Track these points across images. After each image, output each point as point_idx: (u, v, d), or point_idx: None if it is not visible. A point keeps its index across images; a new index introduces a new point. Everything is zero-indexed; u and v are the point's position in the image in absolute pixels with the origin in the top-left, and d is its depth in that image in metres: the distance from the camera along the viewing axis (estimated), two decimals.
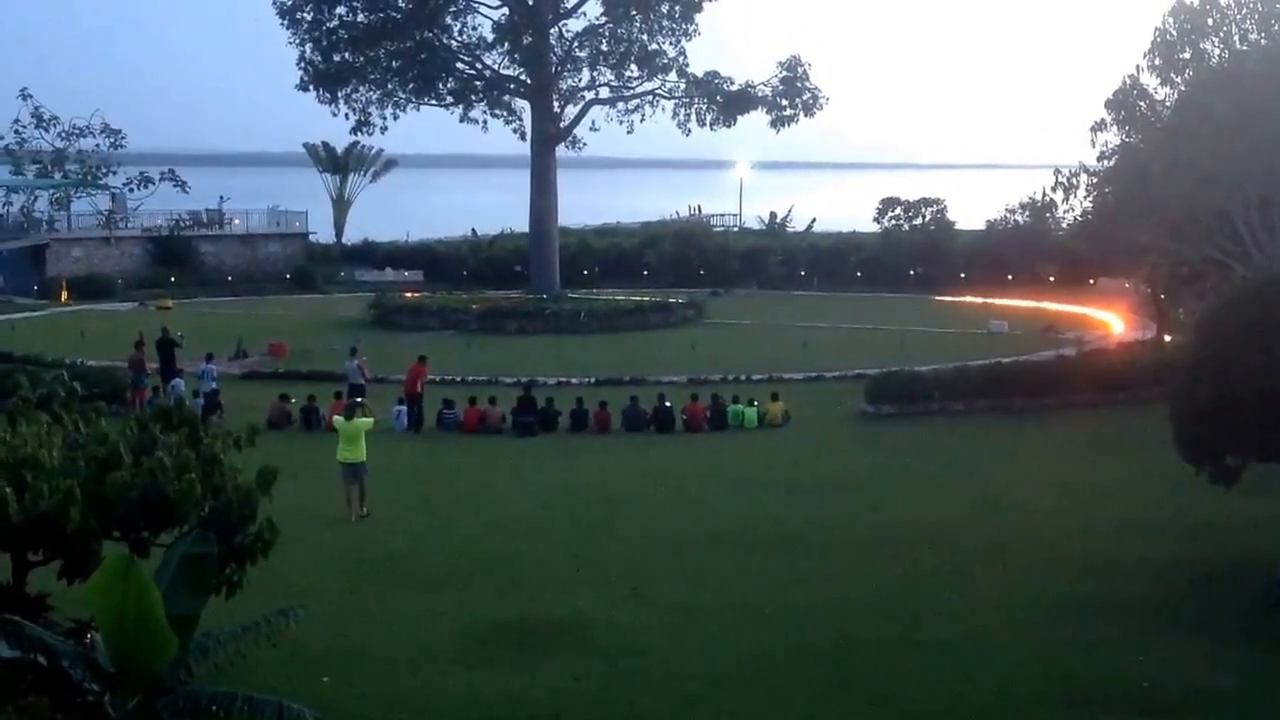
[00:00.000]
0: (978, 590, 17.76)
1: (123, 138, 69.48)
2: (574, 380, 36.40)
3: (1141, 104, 39.46)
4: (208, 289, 62.56)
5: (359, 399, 25.57)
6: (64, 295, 58.23)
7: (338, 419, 23.16)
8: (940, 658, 15.17)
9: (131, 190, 69.72)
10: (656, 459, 28.15)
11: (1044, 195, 45.32)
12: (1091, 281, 56.15)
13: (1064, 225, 47.37)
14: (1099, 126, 39.70)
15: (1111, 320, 50.22)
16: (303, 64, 57.58)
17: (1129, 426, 29.06)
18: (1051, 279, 57.49)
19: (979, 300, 56.63)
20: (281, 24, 57.36)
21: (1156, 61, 38.46)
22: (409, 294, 58.16)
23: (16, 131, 67.51)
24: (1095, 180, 40.27)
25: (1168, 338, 39.27)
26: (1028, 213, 53.90)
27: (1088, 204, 41.29)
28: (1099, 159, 40.18)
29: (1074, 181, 41.53)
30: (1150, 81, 39.05)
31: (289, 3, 57.08)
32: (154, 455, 13.35)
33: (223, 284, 64.04)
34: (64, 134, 68.22)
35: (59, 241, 63.39)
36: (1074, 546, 19.93)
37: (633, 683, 14.40)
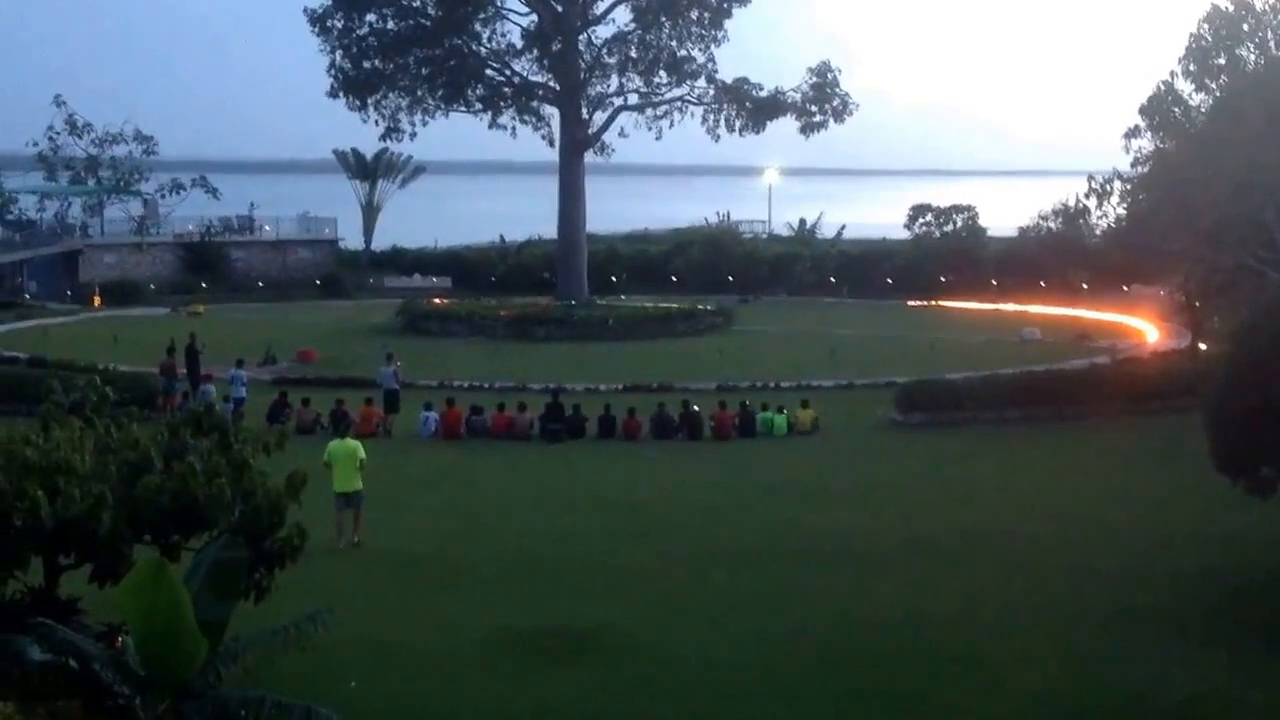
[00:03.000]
0: (1009, 602, 17.59)
1: (155, 144, 69.87)
2: (602, 387, 36.36)
3: (1176, 110, 39.25)
4: (238, 295, 62.84)
5: (348, 420, 25.39)
6: (96, 301, 58.61)
7: (332, 443, 21.13)
8: (971, 670, 15.02)
9: (163, 196, 70.13)
10: (685, 466, 28.08)
11: (1077, 202, 44.97)
12: (1125, 289, 55.74)
13: (1097, 232, 47.03)
14: (1133, 133, 39.55)
15: (1145, 328, 49.82)
16: (333, 71, 57.86)
17: (1163, 437, 28.78)
18: (1084, 286, 57.08)
19: (1011, 307, 56.27)
20: (312, 31, 57.70)
21: (1191, 67, 38.25)
22: (437, 300, 58.24)
23: (50, 138, 67.98)
24: (1129, 187, 40.07)
25: (1202, 346, 38.91)
26: (1061, 219, 53.48)
27: (1121, 211, 41.08)
28: (1133, 165, 40.00)
29: (1107, 188, 41.34)
30: (1185, 87, 38.86)
31: (320, 10, 57.40)
32: (184, 460, 13.40)
33: (253, 290, 64.38)
34: (97, 140, 68.63)
35: (92, 247, 63.83)
36: (1106, 558, 19.73)
37: (658, 691, 14.32)
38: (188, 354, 35.29)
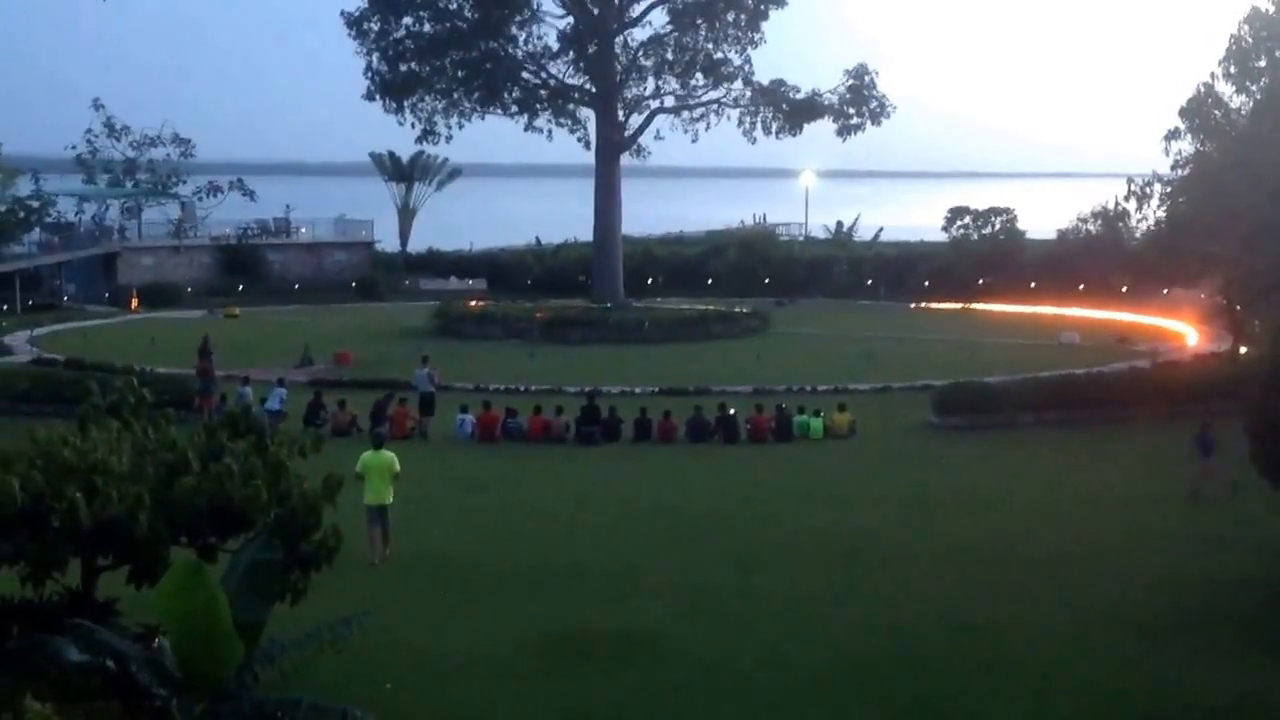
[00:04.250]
0: (1047, 606, 17.41)
1: (192, 147, 70.34)
2: (637, 390, 36.29)
3: (1216, 112, 38.86)
4: (274, 297, 63.18)
5: (383, 430, 23.84)
6: (134, 303, 59.08)
7: (365, 454, 20.15)
8: (1009, 674, 14.87)
9: (200, 199, 70.60)
10: (720, 469, 27.98)
11: (1116, 204, 44.62)
12: (1164, 292, 55.20)
13: (1137, 235, 46.60)
14: (1173, 135, 39.17)
15: (1185, 332, 49.32)
16: (369, 74, 58.10)
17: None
18: (1124, 289, 56.54)
19: (1049, 311, 55.82)
20: (349, 34, 57.95)
21: (1231, 69, 37.86)
22: (473, 303, 58.36)
23: (89, 141, 68.55)
24: (1169, 189, 39.69)
25: (1243, 350, 38.47)
26: (1100, 222, 53.05)
27: (1161, 213, 40.72)
28: (1173, 168, 39.64)
29: (1147, 191, 41.00)
30: (1225, 89, 38.46)
31: (356, 13, 57.66)
32: (221, 462, 13.40)
33: (289, 292, 64.68)
34: (135, 143, 69.16)
35: (130, 250, 64.36)
36: (1146, 562, 19.52)
37: (693, 696, 14.24)
38: (200, 356, 35.60)
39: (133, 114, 70.45)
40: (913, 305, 61.03)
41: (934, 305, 59.62)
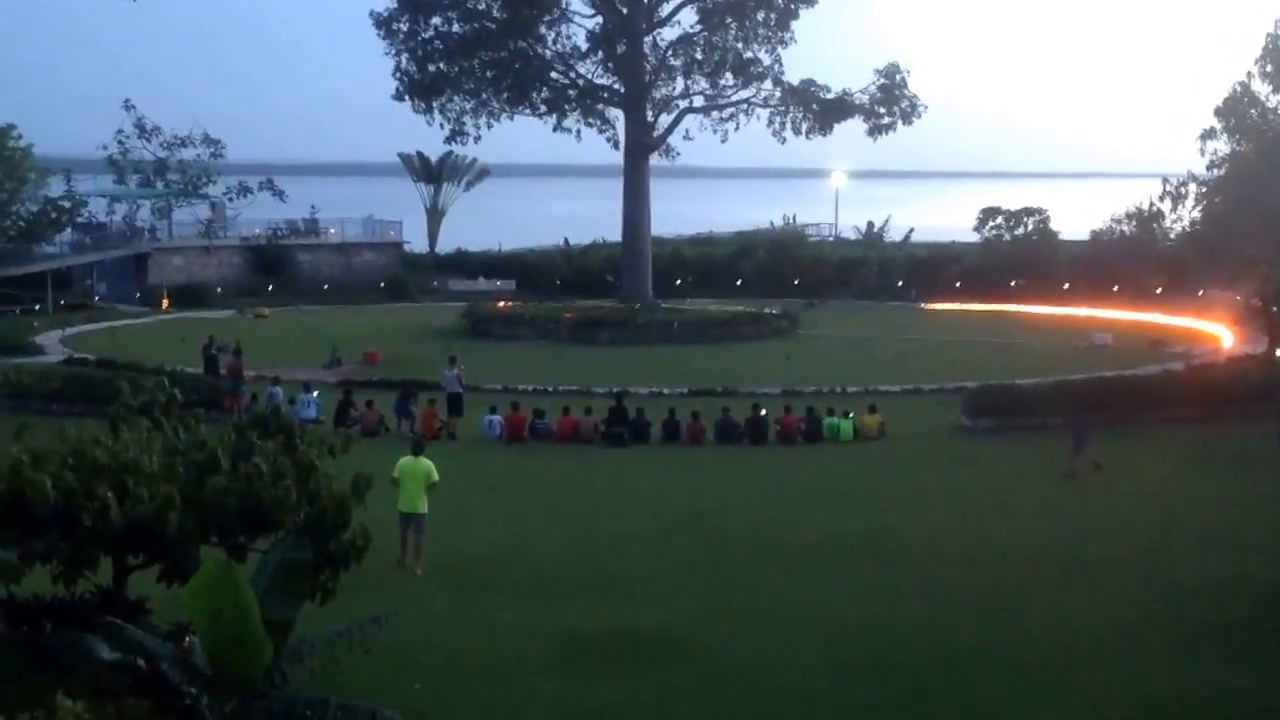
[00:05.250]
0: (1075, 609, 17.22)
1: (223, 147, 70.53)
2: (666, 391, 36.24)
3: (1252, 111, 38.55)
4: (304, 297, 63.44)
5: (423, 441, 22.80)
6: (164, 303, 59.36)
7: (403, 460, 19.43)
8: (1035, 677, 14.71)
9: (231, 199, 70.82)
10: (749, 470, 27.86)
11: (1151, 205, 44.37)
12: (1199, 293, 54.78)
13: (1172, 236, 46.31)
14: (1208, 134, 38.92)
15: (1221, 333, 48.83)
16: (398, 74, 58.29)
17: (1238, 443, 28.20)
18: (1158, 291, 56.12)
19: (1082, 312, 55.40)
20: (378, 35, 58.12)
21: (1268, 68, 37.56)
22: (501, 303, 58.44)
23: (120, 141, 68.82)
24: (1204, 189, 39.39)
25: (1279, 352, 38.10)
26: (1134, 222, 52.80)
27: (1196, 214, 40.45)
28: (1208, 167, 39.37)
29: (1182, 191, 40.77)
30: (1261, 89, 38.18)
31: (385, 14, 57.82)
32: (251, 461, 13.40)
33: (318, 292, 64.90)
34: (166, 144, 69.41)
35: (160, 250, 64.69)
36: (1176, 565, 19.28)
37: (723, 696, 14.15)
38: (204, 357, 35.72)
39: (163, 114, 70.72)
40: (924, 305, 60.56)
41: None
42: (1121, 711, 13.78)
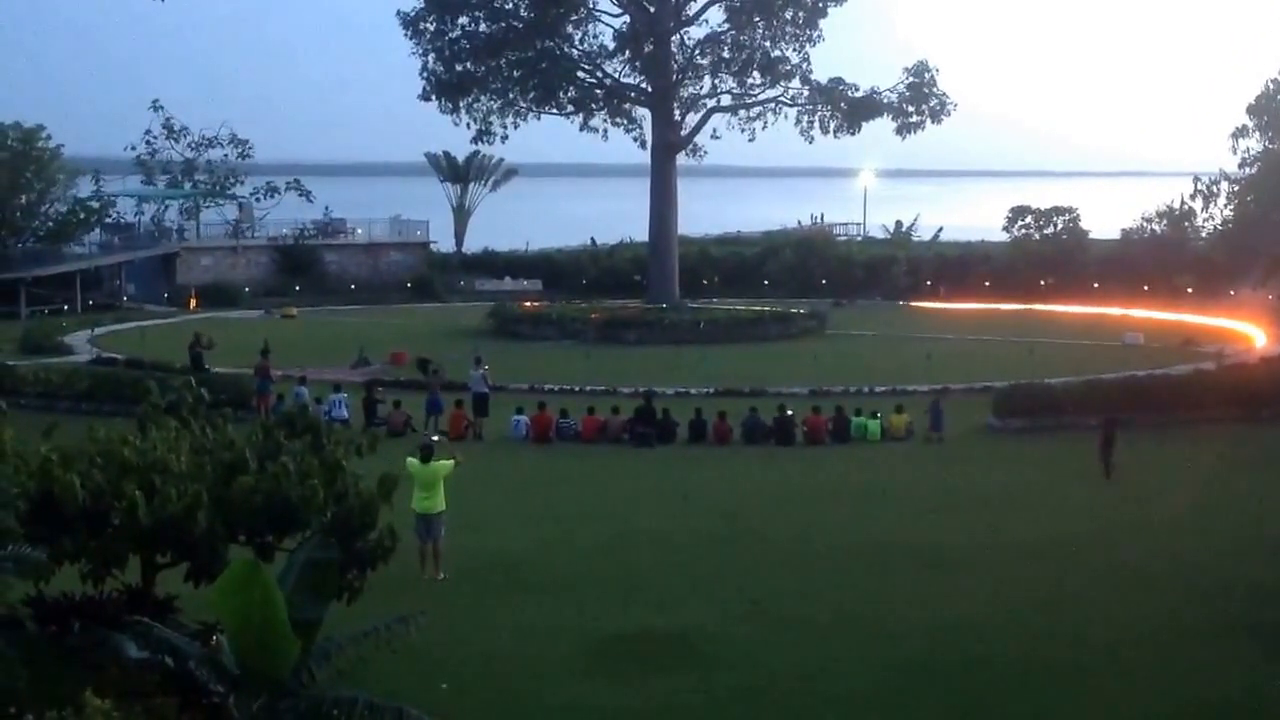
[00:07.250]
0: (1112, 611, 17.05)
1: (250, 148, 70.93)
2: (693, 391, 36.10)
3: None
4: (331, 297, 63.58)
5: (434, 438, 22.87)
6: (192, 303, 59.63)
7: (411, 461, 18.72)
8: (1073, 682, 14.57)
9: (258, 200, 71.17)
10: (776, 471, 27.73)
11: (1182, 203, 43.98)
12: (1231, 292, 54.28)
13: (1203, 234, 45.89)
14: (1240, 132, 38.55)
15: (1253, 333, 48.37)
16: (425, 74, 58.32)
17: (1270, 444, 27.90)
18: (1189, 290, 55.63)
19: (1113, 311, 54.95)
20: (405, 34, 58.21)
21: None
22: (528, 303, 58.42)
23: (148, 142, 69.35)
24: (1236, 188, 39.03)
25: None
26: (1165, 221, 52.35)
27: (1228, 212, 40.08)
28: (1240, 165, 38.99)
29: (1214, 189, 40.40)
30: None
31: (412, 14, 57.87)
32: (278, 461, 13.40)
33: (346, 293, 65.05)
34: (194, 145, 69.86)
35: (188, 250, 65.00)
36: (1213, 567, 19.07)
37: (750, 699, 14.06)
38: (190, 354, 35.76)
39: (191, 115, 71.10)
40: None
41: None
42: (1157, 711, 13.62)
